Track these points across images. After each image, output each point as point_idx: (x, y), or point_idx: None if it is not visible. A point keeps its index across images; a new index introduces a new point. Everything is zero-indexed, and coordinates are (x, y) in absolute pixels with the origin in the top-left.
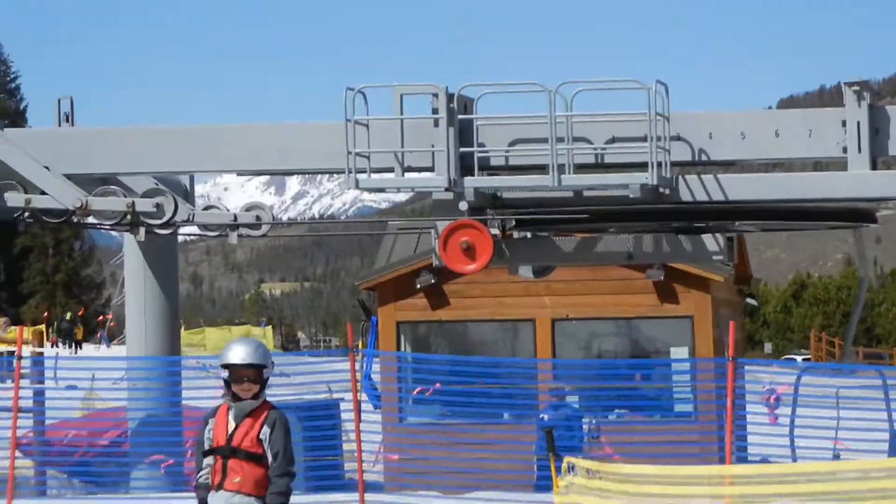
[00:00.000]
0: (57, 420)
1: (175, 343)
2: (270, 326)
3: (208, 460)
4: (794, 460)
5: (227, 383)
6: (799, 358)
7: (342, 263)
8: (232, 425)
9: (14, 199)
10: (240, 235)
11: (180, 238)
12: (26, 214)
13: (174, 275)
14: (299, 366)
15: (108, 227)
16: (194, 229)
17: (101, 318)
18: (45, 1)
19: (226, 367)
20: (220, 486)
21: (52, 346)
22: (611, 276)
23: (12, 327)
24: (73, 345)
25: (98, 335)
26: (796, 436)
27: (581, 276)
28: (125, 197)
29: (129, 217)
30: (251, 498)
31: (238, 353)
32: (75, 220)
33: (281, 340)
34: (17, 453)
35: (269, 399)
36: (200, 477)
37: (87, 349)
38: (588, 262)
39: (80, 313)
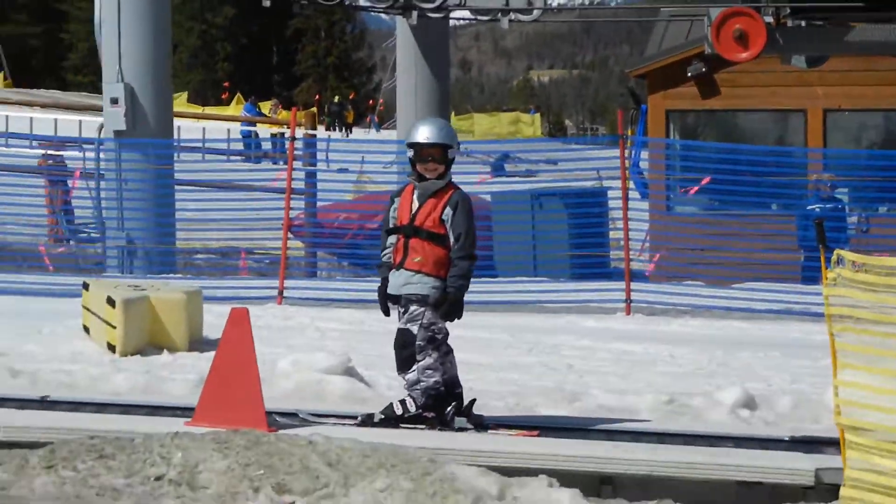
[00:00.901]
0: (328, 203)
1: None
2: (539, 114)
3: (391, 239)
4: None
5: (413, 163)
6: None
7: (611, 50)
8: (416, 205)
9: None
10: (511, 20)
11: (450, 23)
12: None
13: (445, 60)
14: (567, 153)
15: (380, 9)
16: (466, 13)
17: (370, 102)
18: None
19: (411, 146)
20: (400, 265)
21: (324, 130)
22: (885, 66)
23: (282, 110)
24: (344, 128)
25: (368, 119)
26: None
27: (855, 66)
28: None
29: (401, 0)
30: (431, 278)
31: (423, 132)
32: (348, 2)
33: (548, 128)
34: (289, 235)
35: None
36: (384, 255)
37: (357, 133)
38: (862, 52)
39: (350, 97)
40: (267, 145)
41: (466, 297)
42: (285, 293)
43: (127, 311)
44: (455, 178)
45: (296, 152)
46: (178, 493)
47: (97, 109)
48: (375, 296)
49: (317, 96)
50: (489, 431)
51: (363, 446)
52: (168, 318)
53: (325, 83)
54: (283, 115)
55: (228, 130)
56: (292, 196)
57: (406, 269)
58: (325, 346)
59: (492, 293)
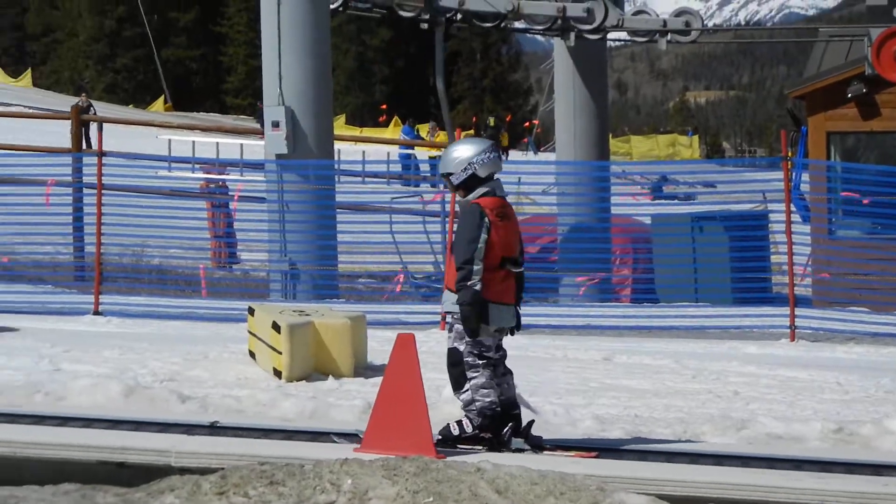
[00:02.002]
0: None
1: (604, 150)
2: (697, 136)
3: None
4: None
5: None
6: None
7: (768, 72)
8: None
9: (448, 1)
10: (668, 41)
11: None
12: (458, 17)
13: (603, 81)
14: (726, 174)
15: (538, 31)
16: (623, 35)
17: (527, 124)
18: None
19: None
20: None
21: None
22: None
23: (440, 131)
24: (500, 151)
25: (524, 141)
26: None
27: None
28: (556, 1)
29: (559, 22)
30: (450, 293)
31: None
32: (505, 24)
33: (706, 150)
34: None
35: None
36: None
37: (514, 155)
38: None
39: (507, 119)
40: (425, 167)
41: (629, 323)
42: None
43: (293, 336)
44: (613, 200)
45: None
46: None
47: (258, 133)
48: (538, 321)
49: (473, 118)
50: (545, 453)
51: (531, 474)
52: (333, 344)
53: (481, 105)
54: (441, 137)
55: (388, 153)
56: (447, 220)
57: (445, 288)
58: None
59: (653, 318)
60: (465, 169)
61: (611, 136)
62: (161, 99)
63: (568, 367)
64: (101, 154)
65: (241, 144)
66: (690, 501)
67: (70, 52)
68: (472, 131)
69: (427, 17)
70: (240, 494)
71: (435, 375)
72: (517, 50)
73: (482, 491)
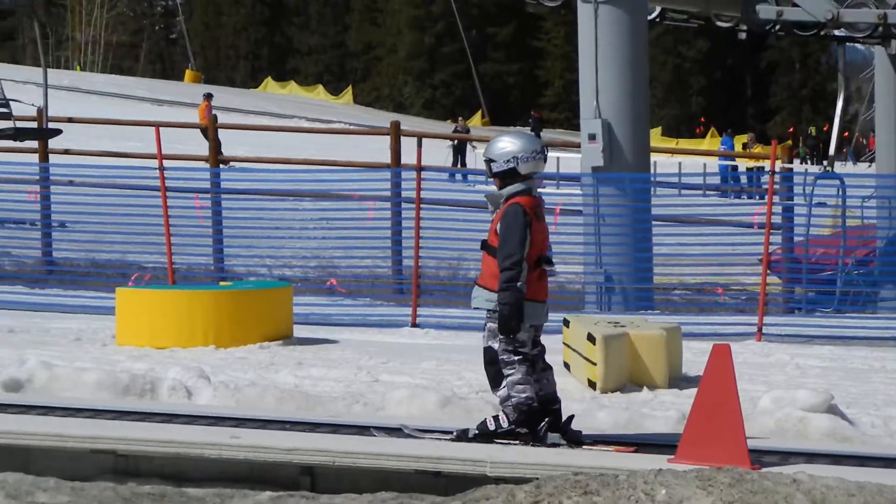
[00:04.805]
0: (804, 237)
1: None
2: None
3: None
4: None
5: None
6: None
7: None
8: None
9: (766, 11)
10: None
11: None
12: (777, 27)
13: None
14: None
15: (858, 39)
16: None
17: (846, 133)
18: None
19: None
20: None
21: (801, 163)
22: None
23: (758, 144)
24: (820, 161)
25: (843, 151)
26: None
27: None
28: (876, 9)
29: (880, 29)
30: (485, 290)
31: None
32: (824, 33)
33: None
34: (767, 270)
35: None
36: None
37: (835, 166)
38: None
39: (825, 129)
40: (744, 179)
41: None
42: (764, 329)
43: (607, 347)
44: None
45: (774, 186)
46: None
47: (573, 146)
48: (856, 332)
49: (791, 129)
50: (584, 447)
51: (848, 485)
52: (648, 355)
53: (799, 115)
54: (758, 149)
55: (704, 165)
56: (770, 231)
57: (476, 284)
58: (806, 384)
59: None
60: (508, 161)
61: None
62: (479, 114)
63: (887, 379)
64: (420, 169)
65: (558, 158)
66: None
67: (390, 69)
68: (790, 142)
69: (745, 27)
70: None
71: (750, 386)
72: (836, 58)
73: (798, 502)
